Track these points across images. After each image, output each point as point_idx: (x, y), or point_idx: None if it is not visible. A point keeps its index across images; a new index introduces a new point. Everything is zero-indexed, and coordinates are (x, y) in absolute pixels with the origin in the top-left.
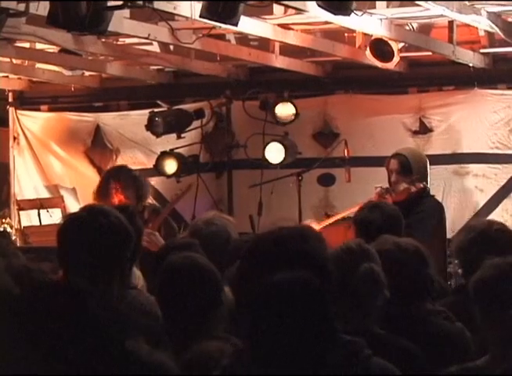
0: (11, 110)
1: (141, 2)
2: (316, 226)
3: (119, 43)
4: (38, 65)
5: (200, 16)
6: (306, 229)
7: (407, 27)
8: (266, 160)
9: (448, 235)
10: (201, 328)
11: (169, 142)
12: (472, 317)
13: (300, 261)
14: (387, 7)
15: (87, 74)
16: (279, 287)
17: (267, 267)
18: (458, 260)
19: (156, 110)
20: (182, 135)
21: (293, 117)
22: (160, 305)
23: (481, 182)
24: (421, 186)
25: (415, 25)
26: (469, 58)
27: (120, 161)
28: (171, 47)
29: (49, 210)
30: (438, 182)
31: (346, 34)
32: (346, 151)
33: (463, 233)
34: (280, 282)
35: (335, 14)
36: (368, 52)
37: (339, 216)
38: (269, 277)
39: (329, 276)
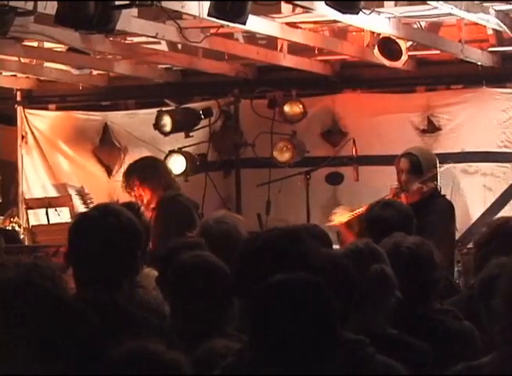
0: (19, 108)
1: (149, 1)
2: (345, 216)
3: (127, 42)
4: (46, 64)
5: (208, 15)
6: (299, 230)
7: (415, 26)
8: (275, 158)
9: (456, 234)
10: (213, 327)
11: (177, 140)
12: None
13: (291, 262)
14: (396, 6)
15: (95, 72)
16: (279, 288)
17: (260, 268)
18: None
19: (164, 108)
20: (190, 134)
21: (301, 116)
22: (170, 304)
23: (490, 181)
24: (433, 185)
25: (423, 24)
26: (477, 56)
27: (128, 160)
28: (179, 46)
29: (57, 209)
30: (447, 180)
31: (354, 33)
32: (354, 150)
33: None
34: (281, 282)
35: (343, 13)
36: (376, 50)
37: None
38: (270, 278)
39: (323, 275)
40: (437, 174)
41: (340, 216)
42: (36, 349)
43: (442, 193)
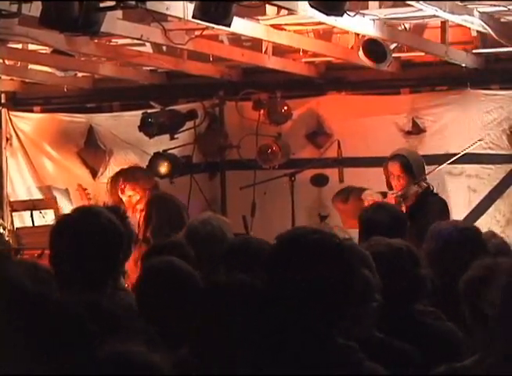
0: (3, 111)
1: (133, 3)
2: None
3: (112, 44)
4: (31, 66)
5: (193, 17)
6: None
7: (400, 28)
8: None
9: None
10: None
11: (162, 143)
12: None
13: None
14: (380, 7)
15: (79, 74)
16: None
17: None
18: (433, 266)
19: (149, 110)
20: (175, 136)
21: (286, 118)
22: (139, 309)
23: (474, 183)
24: (425, 185)
25: (408, 25)
26: (462, 58)
27: (113, 162)
28: (164, 48)
29: (42, 211)
30: (432, 182)
31: (339, 35)
32: (339, 152)
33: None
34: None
35: (328, 15)
36: (361, 52)
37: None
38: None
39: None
40: (425, 173)
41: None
42: (29, 349)
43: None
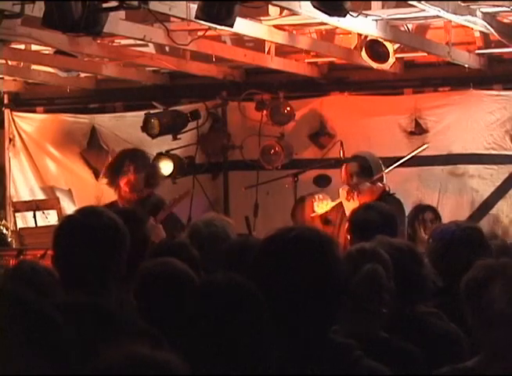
0: (6, 111)
1: (136, 3)
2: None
3: (114, 44)
4: (34, 66)
5: (196, 18)
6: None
7: (402, 28)
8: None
9: None
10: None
11: (165, 143)
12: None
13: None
14: (383, 8)
15: (82, 75)
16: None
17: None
18: (435, 266)
19: (151, 111)
20: (178, 137)
21: (288, 119)
22: (138, 311)
23: (477, 183)
24: (381, 185)
25: (410, 26)
26: (464, 59)
27: None
28: (167, 48)
29: (45, 211)
30: (434, 182)
31: (341, 35)
32: (342, 152)
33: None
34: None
35: (330, 15)
36: (363, 53)
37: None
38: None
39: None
40: (383, 175)
41: (321, 207)
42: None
43: (427, 194)
